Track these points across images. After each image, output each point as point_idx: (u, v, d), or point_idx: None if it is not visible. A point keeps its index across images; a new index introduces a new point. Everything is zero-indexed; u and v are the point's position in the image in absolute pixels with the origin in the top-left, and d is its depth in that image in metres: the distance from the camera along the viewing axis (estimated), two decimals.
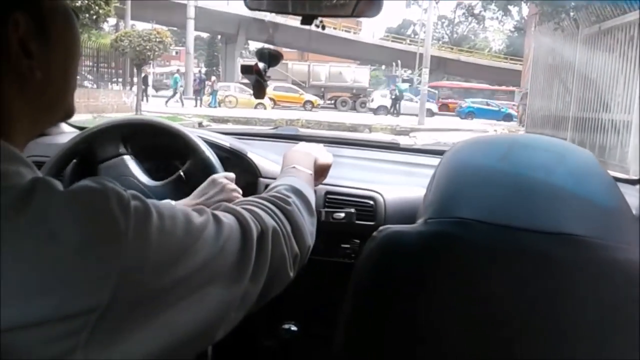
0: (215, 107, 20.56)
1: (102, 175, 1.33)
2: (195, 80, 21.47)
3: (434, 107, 24.77)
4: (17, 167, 0.51)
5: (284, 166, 1.02)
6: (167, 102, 19.76)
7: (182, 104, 19.80)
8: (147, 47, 12.73)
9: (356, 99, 27.59)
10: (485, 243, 0.70)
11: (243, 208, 0.72)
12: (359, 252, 0.92)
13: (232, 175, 1.22)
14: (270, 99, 23.89)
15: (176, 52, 43.30)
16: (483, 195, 0.75)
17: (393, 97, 23.48)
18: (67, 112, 0.65)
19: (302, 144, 1.12)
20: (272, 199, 0.80)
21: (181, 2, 24.69)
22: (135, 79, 16.16)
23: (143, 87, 16.64)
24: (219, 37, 37.73)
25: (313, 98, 26.00)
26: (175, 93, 20.87)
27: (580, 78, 9.61)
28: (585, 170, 0.77)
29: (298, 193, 0.87)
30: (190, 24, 24.48)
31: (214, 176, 1.19)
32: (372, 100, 26.01)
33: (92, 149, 1.37)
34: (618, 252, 0.68)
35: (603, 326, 0.65)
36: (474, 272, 0.69)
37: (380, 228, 0.79)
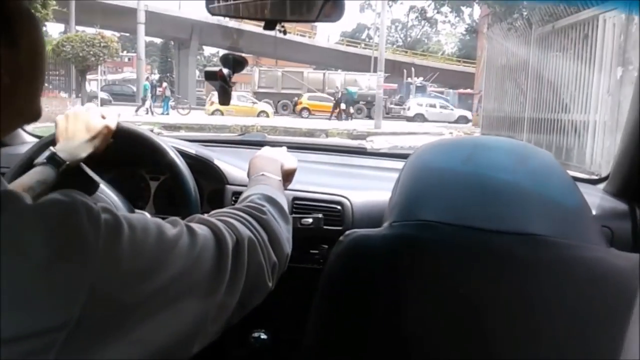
0: (167, 114, 19.94)
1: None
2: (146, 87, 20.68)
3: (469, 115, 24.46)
4: None
5: (252, 174, 1.00)
6: (137, 110, 19.16)
7: (152, 113, 19.17)
8: (91, 52, 12.28)
9: (371, 106, 26.98)
10: (450, 244, 0.71)
11: (217, 219, 0.70)
12: (328, 257, 0.90)
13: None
14: (305, 108, 24.54)
15: (128, 59, 42.58)
16: (447, 198, 0.76)
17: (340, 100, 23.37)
18: (34, 115, 0.63)
19: (265, 148, 1.10)
20: (246, 209, 0.79)
21: (131, 6, 24.07)
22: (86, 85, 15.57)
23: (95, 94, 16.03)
24: (172, 42, 36.97)
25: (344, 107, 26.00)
26: (144, 102, 20.24)
27: (535, 78, 9.57)
28: (546, 171, 0.79)
29: (272, 201, 0.85)
30: (141, 29, 23.86)
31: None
32: (409, 109, 25.87)
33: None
34: (581, 251, 0.70)
35: (569, 323, 0.66)
36: (438, 273, 0.70)
37: (347, 232, 0.80)
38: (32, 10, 0.63)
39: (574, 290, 0.67)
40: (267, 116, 22.98)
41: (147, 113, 18.90)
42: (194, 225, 0.64)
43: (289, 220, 0.87)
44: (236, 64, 1.20)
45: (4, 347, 0.42)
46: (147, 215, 0.90)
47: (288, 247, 0.82)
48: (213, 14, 1.13)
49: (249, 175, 1.02)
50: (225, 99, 1.22)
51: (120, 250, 0.50)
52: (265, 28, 1.07)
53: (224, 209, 0.79)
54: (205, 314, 0.60)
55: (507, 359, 0.66)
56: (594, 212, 0.98)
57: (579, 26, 8.13)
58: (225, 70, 1.17)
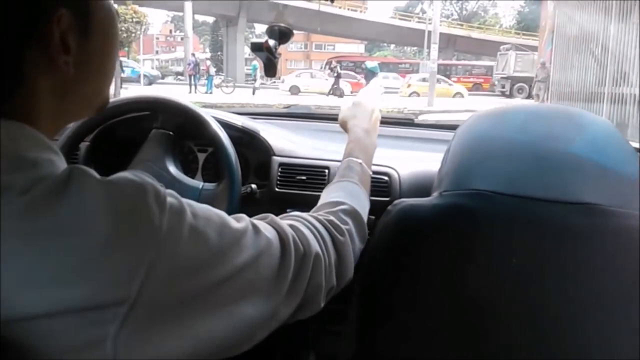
0: (210, 92, 19.43)
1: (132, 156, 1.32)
2: (189, 64, 20.06)
3: None
4: (49, 155, 0.52)
5: (350, 153, 0.97)
6: (254, 92, 19.35)
7: (195, 91, 19.01)
8: (123, 28, 11.83)
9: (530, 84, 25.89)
10: (503, 214, 0.70)
11: (290, 225, 0.69)
12: (374, 228, 0.82)
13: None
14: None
15: (181, 38, 42.62)
16: (500, 167, 0.74)
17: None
18: (102, 105, 0.65)
19: (361, 103, 1.10)
20: (326, 223, 0.75)
21: None
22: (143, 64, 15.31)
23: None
24: (219, 20, 36.66)
25: (462, 89, 25.11)
26: (255, 81, 20.45)
27: (616, 49, 8.35)
28: (604, 140, 0.76)
29: (356, 217, 0.82)
30: (188, 6, 23.68)
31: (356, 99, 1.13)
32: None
33: (113, 126, 1.39)
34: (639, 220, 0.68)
35: (624, 295, 0.64)
36: (491, 242, 0.69)
37: (395, 202, 0.79)
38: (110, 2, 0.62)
39: (629, 259, 0.65)
40: (462, 97, 22.70)
41: (189, 92, 18.55)
42: (261, 225, 0.63)
43: (365, 238, 0.83)
44: (282, 35, 1.20)
45: (62, 318, 0.44)
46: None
47: (352, 271, 0.77)
48: None
49: (347, 151, 0.98)
50: (270, 70, 1.22)
51: (182, 235, 0.51)
52: None
53: (303, 214, 0.75)
54: (259, 320, 0.58)
55: (562, 327, 0.63)
56: None
57: None
58: (272, 42, 1.17)
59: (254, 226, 0.61)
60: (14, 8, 0.51)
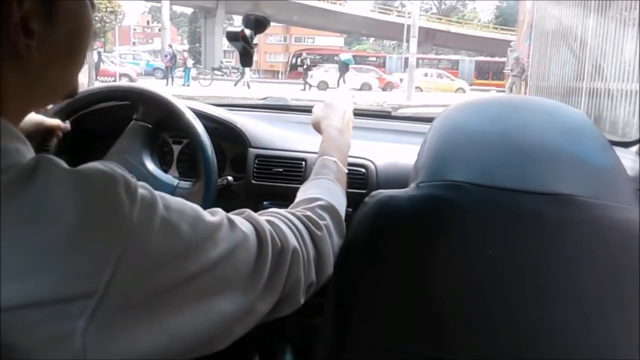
0: (187, 85, 19.07)
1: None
2: (166, 56, 19.66)
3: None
4: (16, 144, 0.51)
5: (324, 152, 0.95)
6: (235, 84, 19.04)
7: (172, 84, 18.69)
8: (97, 17, 11.57)
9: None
10: (478, 205, 0.70)
11: (267, 220, 0.68)
12: (352, 220, 0.83)
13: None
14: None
15: (159, 29, 42.07)
16: (475, 158, 0.74)
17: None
18: (69, 93, 0.63)
19: (333, 104, 1.09)
20: (304, 218, 0.75)
21: None
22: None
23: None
24: (197, 11, 36.24)
25: (465, 84, 25.19)
26: (242, 75, 20.00)
27: (594, 44, 8.34)
28: (578, 131, 0.77)
29: (333, 213, 0.81)
30: None
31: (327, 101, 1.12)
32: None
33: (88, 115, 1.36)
34: (614, 211, 0.69)
35: (598, 282, 0.65)
36: (467, 233, 0.69)
37: (372, 193, 0.78)
38: None
39: (603, 250, 0.66)
40: (464, 92, 22.92)
41: (166, 84, 18.25)
42: (237, 220, 0.61)
43: (344, 234, 0.81)
44: (258, 24, 1.18)
45: (33, 310, 0.43)
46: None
47: (331, 267, 0.75)
48: None
49: (322, 149, 0.97)
50: (246, 60, 1.22)
51: (153, 227, 0.49)
52: None
53: (279, 210, 0.74)
54: (235, 316, 0.57)
55: (536, 318, 0.64)
56: (629, 174, 0.86)
57: None
58: (247, 31, 1.16)
59: (230, 220, 0.60)
60: None
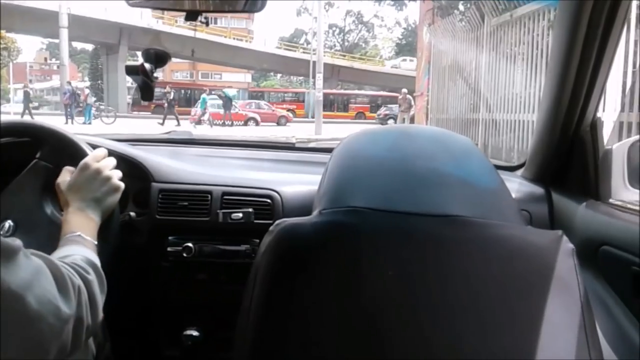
0: (89, 123, 18.35)
1: None
2: (65, 93, 18.90)
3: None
4: None
5: (67, 232, 0.96)
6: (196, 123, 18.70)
7: (72, 122, 17.81)
8: None
9: None
10: (378, 229, 0.74)
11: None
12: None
13: (102, 151, 1.14)
14: None
15: (57, 66, 40.38)
16: (373, 184, 0.79)
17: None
18: None
19: (85, 169, 1.08)
20: (72, 264, 0.78)
21: (53, 9, 22.51)
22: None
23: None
24: (99, 47, 35.15)
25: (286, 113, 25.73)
26: (203, 114, 19.69)
27: (488, 75, 8.80)
28: (465, 156, 0.83)
29: (95, 269, 0.85)
30: (63, 33, 22.43)
31: (83, 161, 1.08)
32: None
33: None
34: (499, 229, 0.74)
35: (492, 297, 0.68)
36: (368, 256, 0.71)
37: (277, 222, 0.79)
38: None
39: (494, 265, 0.70)
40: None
41: (65, 123, 17.35)
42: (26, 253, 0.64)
43: (105, 291, 0.85)
44: (158, 58, 1.19)
45: None
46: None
47: (100, 315, 0.80)
48: (132, 6, 1.12)
49: (63, 232, 0.97)
50: (147, 94, 1.21)
51: None
52: (186, 19, 1.09)
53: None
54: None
55: (435, 334, 0.66)
56: (513, 196, 0.95)
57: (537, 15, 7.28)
58: (147, 65, 1.17)
59: (23, 251, 0.64)
60: None
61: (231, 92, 23.04)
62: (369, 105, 31.72)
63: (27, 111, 18.98)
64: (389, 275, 0.70)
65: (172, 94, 20.75)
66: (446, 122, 10.98)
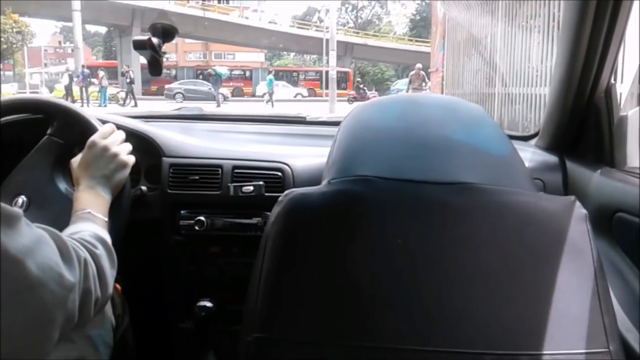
0: (104, 105, 18.40)
1: None
2: (78, 76, 19.03)
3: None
4: None
5: (77, 209, 0.97)
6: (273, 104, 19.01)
7: (88, 104, 17.97)
8: (2, 38, 10.98)
9: None
10: (387, 197, 0.73)
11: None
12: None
13: (109, 127, 1.12)
14: None
15: (71, 50, 40.53)
16: (382, 153, 0.79)
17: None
18: None
19: (94, 146, 1.07)
20: (80, 239, 0.79)
21: None
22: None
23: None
24: (112, 29, 35.18)
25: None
26: (271, 95, 20.03)
27: (504, 50, 8.65)
28: (476, 123, 0.82)
29: (104, 243, 0.85)
30: (77, 16, 22.43)
31: (91, 139, 1.08)
32: None
33: None
34: (511, 196, 0.73)
35: (504, 263, 0.68)
36: (377, 224, 0.71)
37: (286, 192, 0.79)
38: None
39: (505, 232, 0.69)
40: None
41: (81, 106, 17.45)
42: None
43: (115, 266, 0.86)
44: (165, 33, 1.18)
45: None
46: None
47: (110, 289, 0.81)
48: None
49: (73, 209, 0.98)
50: (155, 69, 1.21)
51: None
52: None
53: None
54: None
55: (446, 300, 0.67)
56: (526, 165, 0.92)
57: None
58: (155, 40, 1.16)
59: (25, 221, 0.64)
60: None
61: (221, 69, 23.29)
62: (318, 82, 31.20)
63: (69, 93, 19.11)
64: (398, 243, 0.70)
65: (131, 73, 20.63)
66: (462, 97, 10.66)
